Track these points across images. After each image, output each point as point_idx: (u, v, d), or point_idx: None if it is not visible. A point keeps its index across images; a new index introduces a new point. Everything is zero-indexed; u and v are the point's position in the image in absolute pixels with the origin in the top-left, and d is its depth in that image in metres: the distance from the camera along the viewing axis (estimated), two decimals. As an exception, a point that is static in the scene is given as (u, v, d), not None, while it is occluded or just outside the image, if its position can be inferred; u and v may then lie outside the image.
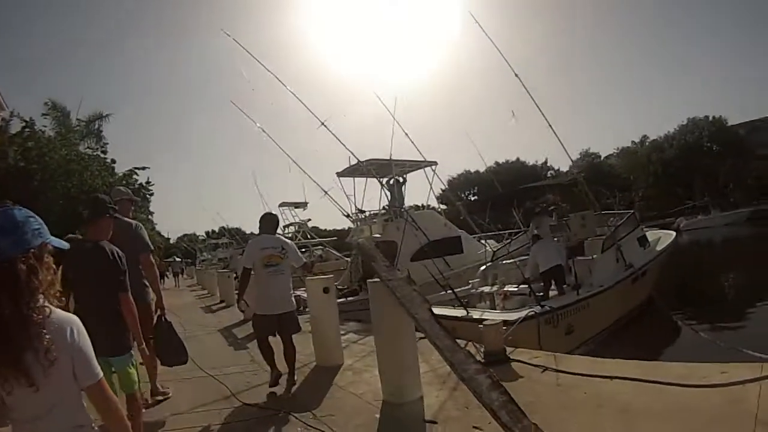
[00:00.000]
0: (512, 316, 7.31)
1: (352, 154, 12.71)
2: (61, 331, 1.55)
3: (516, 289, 9.47)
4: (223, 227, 37.99)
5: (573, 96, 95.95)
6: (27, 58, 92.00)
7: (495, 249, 12.53)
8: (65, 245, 1.76)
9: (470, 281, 10.66)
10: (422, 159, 15.10)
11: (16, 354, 1.45)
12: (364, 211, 14.51)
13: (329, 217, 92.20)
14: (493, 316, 7.34)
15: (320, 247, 23.72)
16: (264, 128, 14.39)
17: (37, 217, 1.65)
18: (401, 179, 14.68)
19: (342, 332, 6.65)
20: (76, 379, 1.57)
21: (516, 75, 11.97)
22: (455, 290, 8.76)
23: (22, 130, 15.14)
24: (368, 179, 15.29)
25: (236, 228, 38.12)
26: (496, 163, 49.89)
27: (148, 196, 14.26)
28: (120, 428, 1.69)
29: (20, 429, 1.58)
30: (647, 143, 55.29)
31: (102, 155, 16.93)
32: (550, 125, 11.71)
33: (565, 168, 52.02)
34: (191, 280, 32.41)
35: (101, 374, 1.63)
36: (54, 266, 1.67)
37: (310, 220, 24.70)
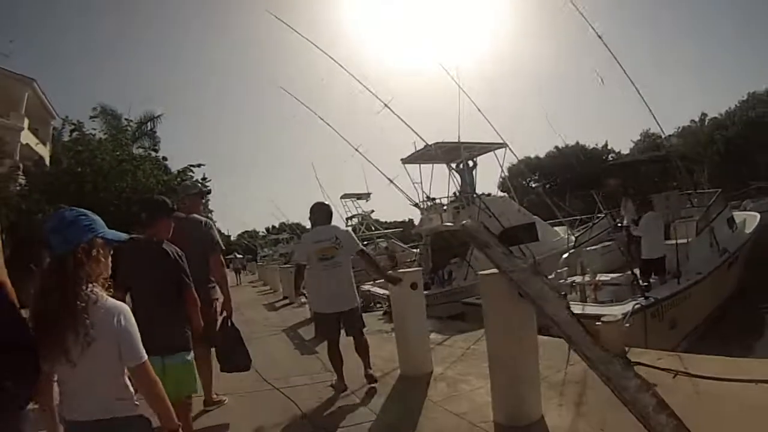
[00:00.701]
0: (615, 309, 6.56)
1: (419, 136, 11.72)
2: (107, 316, 1.76)
3: (609, 278, 8.71)
4: (283, 222, 37.89)
5: (634, 74, 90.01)
6: (67, 54, 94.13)
7: (576, 235, 11.86)
8: (122, 236, 1.96)
9: (556, 270, 9.79)
10: (491, 142, 14.35)
11: (59, 334, 1.68)
12: (434, 199, 13.57)
13: (390, 209, 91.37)
14: (597, 310, 6.68)
15: (384, 239, 22.44)
16: (323, 117, 13.31)
17: (89, 214, 1.87)
18: (471, 163, 13.93)
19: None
20: (120, 359, 1.79)
21: (599, 36, 11.37)
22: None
23: (72, 134, 15.46)
24: (434, 165, 14.87)
25: (296, 223, 38.23)
26: (556, 147, 47.67)
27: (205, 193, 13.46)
28: (161, 408, 1.86)
29: (66, 398, 1.83)
30: (707, 121, 51.74)
31: (154, 153, 16.48)
32: (638, 91, 11.16)
33: (625, 150, 51.33)
34: (252, 276, 32.41)
35: (144, 357, 1.82)
36: (105, 257, 1.89)
37: (373, 211, 23.90)
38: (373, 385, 4.78)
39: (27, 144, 18.84)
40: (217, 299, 4.53)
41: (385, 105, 11.81)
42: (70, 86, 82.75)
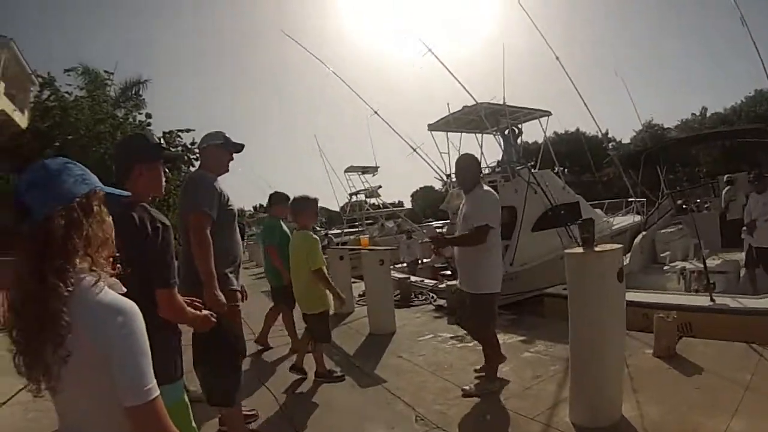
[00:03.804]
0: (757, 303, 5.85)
1: (466, 89, 9.93)
2: (99, 315, 1.20)
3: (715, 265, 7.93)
4: None
5: (640, 65, 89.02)
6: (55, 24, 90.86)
7: (645, 217, 11.49)
8: (124, 193, 1.51)
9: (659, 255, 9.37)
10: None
11: (31, 337, 1.15)
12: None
13: (396, 187, 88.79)
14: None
15: (394, 219, 20.59)
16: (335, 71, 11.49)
17: (78, 164, 1.36)
18: (516, 130, 12.71)
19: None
20: (114, 392, 1.21)
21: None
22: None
23: (41, 88, 14.11)
24: (463, 135, 13.67)
25: None
26: (555, 133, 46.76)
27: (194, 160, 11.84)
28: None
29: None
30: (708, 115, 52.00)
31: (138, 114, 14.83)
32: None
33: (627, 140, 51.03)
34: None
35: (154, 394, 1.22)
36: (109, 221, 1.35)
37: (380, 186, 21.84)
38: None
39: (2, 110, 16.47)
40: (236, 290, 3.49)
41: (429, 50, 9.96)
42: (55, 51, 78.46)
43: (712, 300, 6.05)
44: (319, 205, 5.05)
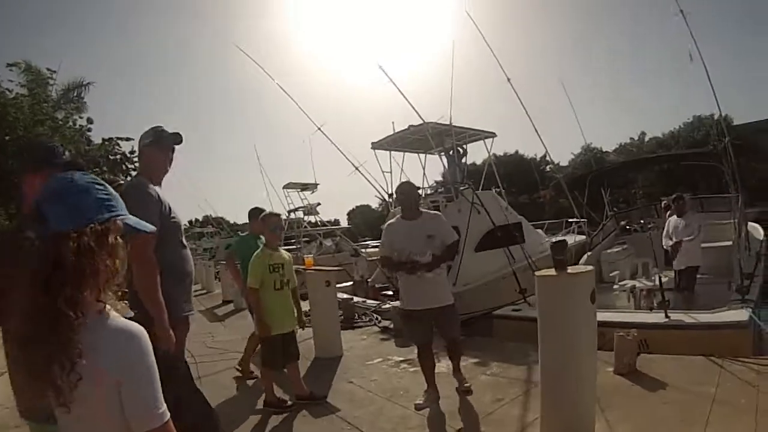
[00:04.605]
0: (731, 314, 5.94)
1: (414, 108, 10.01)
2: (110, 341, 1.20)
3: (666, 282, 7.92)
4: (207, 216, 36.04)
5: (577, 92, 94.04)
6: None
7: (590, 237, 11.66)
8: (149, 227, 1.41)
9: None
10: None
11: (43, 362, 1.12)
12: (419, 188, 11.34)
13: (334, 206, 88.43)
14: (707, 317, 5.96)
15: (332, 237, 20.27)
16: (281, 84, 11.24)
17: (107, 186, 1.33)
18: (461, 150, 12.84)
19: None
20: (123, 415, 1.21)
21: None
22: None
23: None
24: (405, 154, 13.67)
25: (220, 217, 36.98)
26: (495, 155, 48.01)
27: (131, 170, 11.19)
28: None
29: None
30: (646, 140, 55.37)
31: (78, 118, 13.79)
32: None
33: (565, 163, 52.20)
34: None
35: (167, 416, 1.25)
36: (121, 252, 1.30)
37: (319, 204, 21.30)
38: None
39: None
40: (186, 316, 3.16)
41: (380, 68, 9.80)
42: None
43: (667, 317, 6.14)
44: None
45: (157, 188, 3.13)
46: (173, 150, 3.32)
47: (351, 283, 13.04)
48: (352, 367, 6.04)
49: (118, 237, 1.28)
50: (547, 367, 3.58)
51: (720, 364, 4.69)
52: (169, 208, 3.13)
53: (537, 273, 3.66)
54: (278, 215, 5.03)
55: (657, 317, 6.29)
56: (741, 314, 5.93)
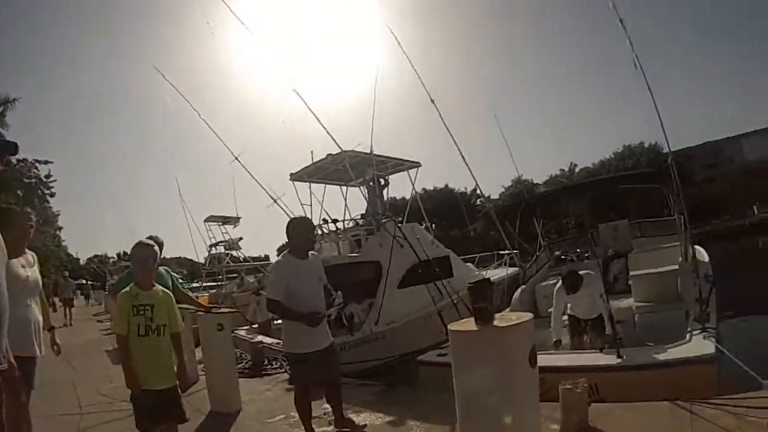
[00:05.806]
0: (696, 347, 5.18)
1: (333, 138, 9.42)
2: None
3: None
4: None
5: (507, 124, 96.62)
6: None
7: (523, 270, 11.06)
8: None
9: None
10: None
11: None
12: (337, 221, 11.89)
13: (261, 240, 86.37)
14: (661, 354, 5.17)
15: (255, 274, 19.46)
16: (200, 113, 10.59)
17: None
18: (383, 181, 12.45)
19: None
20: None
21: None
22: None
23: None
24: (327, 186, 13.22)
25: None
26: (424, 189, 48.86)
27: (47, 194, 10.34)
28: None
29: None
30: (577, 171, 56.27)
31: None
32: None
33: (495, 195, 52.84)
34: (99, 306, 29.01)
35: None
36: None
37: (241, 238, 20.72)
38: None
39: None
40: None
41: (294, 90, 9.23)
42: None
43: (620, 356, 5.28)
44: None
45: None
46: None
47: (255, 325, 12.01)
48: (250, 425, 5.24)
49: None
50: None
51: (689, 409, 3.97)
52: None
53: (450, 326, 2.91)
54: (150, 245, 3.96)
55: (608, 358, 5.36)
56: (706, 346, 5.18)
